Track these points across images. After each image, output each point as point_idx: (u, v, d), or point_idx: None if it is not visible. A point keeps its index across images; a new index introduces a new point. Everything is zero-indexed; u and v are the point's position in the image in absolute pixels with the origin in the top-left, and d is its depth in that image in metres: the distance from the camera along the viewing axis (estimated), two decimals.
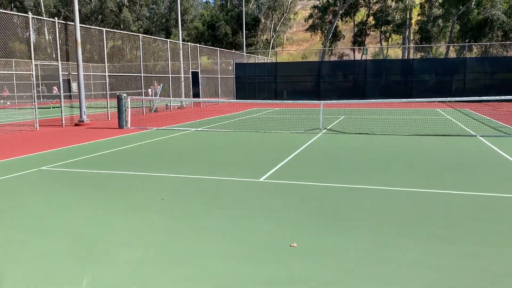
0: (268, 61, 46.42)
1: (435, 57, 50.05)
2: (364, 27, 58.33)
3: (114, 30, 27.73)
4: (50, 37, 47.65)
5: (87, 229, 4.77)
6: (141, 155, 9.73)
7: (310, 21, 58.66)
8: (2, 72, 29.11)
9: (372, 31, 59.78)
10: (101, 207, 5.62)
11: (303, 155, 9.37)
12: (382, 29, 57.33)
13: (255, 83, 33.37)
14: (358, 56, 59.15)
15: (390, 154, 9.51)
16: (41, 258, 3.99)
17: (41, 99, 34.41)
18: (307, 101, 16.88)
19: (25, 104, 29.95)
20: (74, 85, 38.37)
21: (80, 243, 4.37)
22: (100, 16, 59.03)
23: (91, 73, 30.43)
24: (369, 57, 56.86)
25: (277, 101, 21.38)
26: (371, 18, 57.48)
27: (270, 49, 59.24)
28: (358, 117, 18.42)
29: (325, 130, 13.80)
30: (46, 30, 50.11)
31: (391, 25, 55.96)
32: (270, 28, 62.45)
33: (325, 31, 56.98)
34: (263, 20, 62.75)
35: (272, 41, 62.37)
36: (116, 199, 6.02)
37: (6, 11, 15.42)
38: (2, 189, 6.60)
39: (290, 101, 18.96)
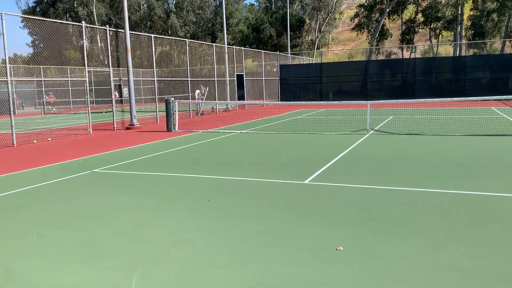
0: (313, 62, 46.03)
1: (490, 53, 47.66)
2: (412, 24, 56.57)
3: (162, 36, 28.55)
4: (102, 45, 49.79)
5: (139, 229, 4.91)
6: (188, 157, 9.92)
7: (356, 20, 57.63)
8: (58, 78, 30.70)
9: (421, 28, 57.88)
10: (151, 208, 5.77)
11: (349, 157, 9.19)
12: (431, 26, 55.38)
13: (300, 84, 33.21)
14: (406, 55, 57.43)
15: (442, 155, 9.14)
16: (95, 258, 4.14)
17: (94, 104, 35.94)
18: (353, 101, 16.57)
19: (79, 109, 31.42)
20: (125, 90, 39.85)
21: (132, 243, 4.50)
22: (149, 23, 60.93)
23: (140, 79, 31.44)
24: (418, 55, 55.08)
25: (323, 102, 21.19)
26: (419, 15, 55.67)
27: (315, 50, 58.76)
28: (407, 117, 17.86)
29: (373, 131, 13.48)
30: (98, 38, 52.40)
31: (441, 22, 53.92)
32: (315, 29, 61.93)
33: (372, 30, 55.79)
34: (307, 21, 62.36)
35: (317, 41, 61.83)
36: (166, 200, 6.16)
37: (62, 21, 16.23)
38: (58, 191, 6.93)
39: (336, 101, 18.71)
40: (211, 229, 4.86)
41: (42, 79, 27.10)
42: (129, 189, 6.86)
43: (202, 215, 5.40)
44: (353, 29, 59.23)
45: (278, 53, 35.88)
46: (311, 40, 62.95)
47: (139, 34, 19.98)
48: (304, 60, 45.74)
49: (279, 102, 31.10)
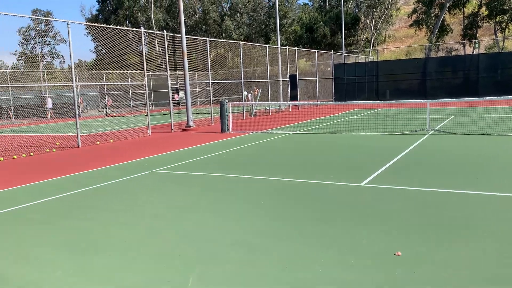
0: (369, 60, 44.92)
1: None
2: (475, 18, 53.66)
3: (217, 39, 29.03)
4: (160, 49, 51.57)
5: (195, 229, 5.01)
6: (242, 158, 10.01)
7: (414, 16, 55.58)
8: (119, 83, 32.12)
9: (485, 22, 54.73)
10: (207, 208, 5.87)
11: (408, 158, 8.86)
12: (497, 20, 52.22)
13: (355, 84, 32.53)
14: (468, 51, 54.52)
15: (509, 156, 8.58)
16: (154, 257, 4.28)
17: (153, 106, 37.24)
18: (412, 100, 15.96)
19: (139, 112, 32.70)
20: (181, 93, 40.96)
21: (188, 242, 4.60)
22: (204, 27, 62.29)
23: (196, 81, 32.21)
24: (481, 51, 52.14)
25: (379, 101, 20.58)
26: (483, 8, 52.67)
27: (371, 48, 57.34)
28: (470, 116, 16.96)
29: (433, 131, 12.92)
30: (156, 42, 54.27)
31: (507, 15, 50.70)
32: (371, 26, 60.45)
33: (431, 26, 53.55)
34: (363, 19, 61.00)
35: (372, 39, 60.32)
36: (221, 200, 6.25)
37: (122, 28, 16.94)
38: (119, 190, 7.24)
39: (393, 101, 18.09)
40: (266, 230, 4.86)
41: (104, 83, 28.46)
42: (186, 189, 7.02)
43: (257, 216, 5.42)
44: (410, 25, 57.19)
45: (332, 52, 35.37)
46: (367, 38, 61.51)
47: (194, 38, 20.47)
48: (359, 58, 44.75)
49: (333, 102, 30.65)
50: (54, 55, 71.06)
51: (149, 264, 4.06)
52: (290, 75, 27.25)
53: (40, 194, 7.15)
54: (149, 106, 24.92)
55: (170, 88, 17.14)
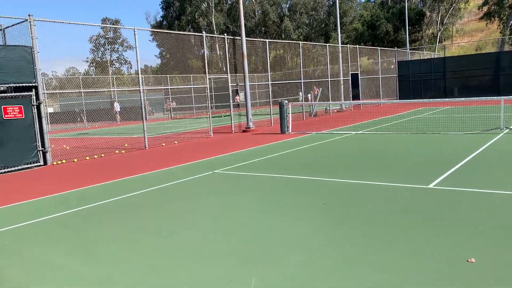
0: (435, 56, 42.90)
1: None
2: None
3: (276, 40, 29.07)
4: (221, 52, 52.59)
5: (254, 230, 5.02)
6: (302, 159, 9.92)
7: (485, 9, 52.33)
8: (182, 86, 33.16)
9: None
10: (267, 209, 5.87)
11: (481, 159, 8.32)
12: None
13: (420, 81, 31.19)
14: None
15: None
16: (214, 256, 4.33)
17: (214, 108, 38.08)
18: (484, 97, 15.01)
19: (201, 114, 33.54)
20: (241, 95, 41.54)
21: (247, 243, 4.62)
22: (263, 28, 62.75)
23: (256, 83, 32.49)
24: None
25: (447, 99, 19.55)
26: None
27: (437, 44, 54.75)
28: None
29: (508, 130, 12.06)
30: (217, 46, 55.43)
31: None
32: (437, 21, 57.72)
33: (504, 18, 50.11)
34: (428, 14, 58.39)
35: (439, 34, 57.57)
36: (281, 201, 6.22)
37: (184, 33, 17.44)
38: (182, 191, 7.43)
39: (463, 98, 17.12)
40: (327, 233, 4.76)
41: (169, 87, 29.52)
42: (247, 190, 7.07)
43: (318, 218, 5.32)
44: (481, 18, 53.91)
45: (395, 49, 34.18)
46: (432, 33, 58.82)
47: (254, 40, 20.63)
48: (425, 55, 42.87)
49: (398, 100, 29.57)
50: (122, 61, 74.99)
51: (211, 264, 4.11)
52: (351, 73, 26.69)
53: (110, 193, 7.53)
54: (211, 108, 25.27)
55: (230, 90, 17.40)
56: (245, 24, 65.30)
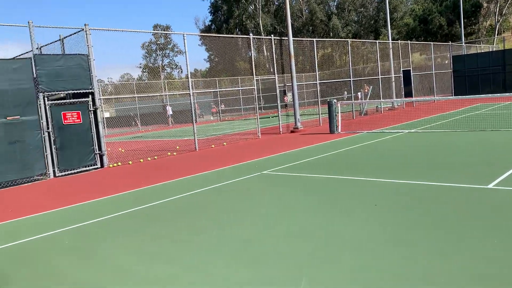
0: (494, 50, 40.70)
1: None
2: None
3: (324, 39, 28.73)
4: (268, 53, 52.74)
5: (304, 231, 4.97)
6: (352, 159, 9.72)
7: None
8: (230, 88, 33.58)
9: None
10: (317, 210, 5.80)
11: None
12: None
13: (477, 76, 29.66)
14: None
15: None
16: (263, 257, 4.33)
17: (262, 109, 38.24)
18: None
19: (249, 115, 33.78)
20: (289, 95, 41.44)
21: (299, 244, 4.58)
22: (311, 28, 62.25)
23: (303, 83, 32.27)
24: None
25: (507, 94, 18.47)
26: None
27: (496, 36, 51.88)
28: None
29: None
30: (264, 47, 55.61)
31: None
32: (495, 12, 54.71)
33: None
34: (485, 5, 55.48)
35: (497, 26, 54.53)
36: (331, 202, 6.13)
37: (231, 35, 17.64)
38: (232, 191, 7.50)
39: None
40: (379, 235, 4.62)
41: (217, 90, 30.00)
42: (295, 191, 7.02)
43: (370, 220, 5.19)
44: None
45: (450, 43, 32.76)
46: (490, 25, 55.82)
47: (301, 40, 20.50)
48: (482, 48, 40.76)
49: (453, 97, 28.30)
50: (173, 66, 77.10)
51: (260, 265, 4.11)
52: (403, 70, 25.86)
53: (163, 195, 7.74)
54: (259, 109, 25.28)
55: (278, 91, 17.40)
56: (292, 24, 64.94)
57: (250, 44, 17.01)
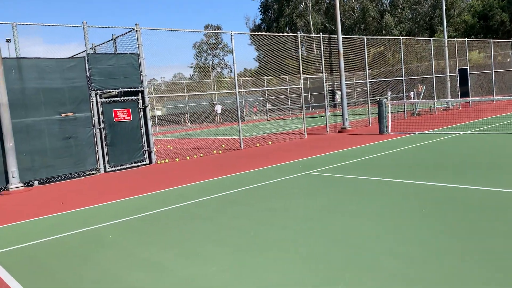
0: None
1: None
2: None
3: (375, 37, 27.93)
4: (318, 52, 52.11)
5: (345, 234, 4.78)
6: (400, 161, 9.32)
7: None
8: (277, 87, 33.47)
9: None
10: (360, 213, 5.57)
11: None
12: None
13: None
14: None
15: None
16: (301, 260, 4.20)
17: (310, 109, 37.82)
18: None
19: (297, 115, 33.52)
20: (338, 95, 40.70)
21: (338, 247, 4.40)
22: (363, 25, 60.87)
23: (354, 81, 31.53)
24: None
25: None
26: None
27: None
28: None
29: None
30: (314, 46, 54.96)
31: None
32: None
33: None
34: None
35: None
36: (375, 206, 5.87)
37: (279, 34, 17.53)
38: (274, 191, 7.40)
39: None
40: (426, 242, 4.35)
41: (262, 89, 30.00)
42: (338, 192, 6.81)
43: (416, 225, 4.91)
44: None
45: None
46: None
47: (351, 38, 20.03)
48: None
49: None
50: (223, 65, 78.11)
51: (296, 267, 3.98)
52: (459, 69, 24.63)
53: (206, 192, 7.77)
54: (307, 109, 25.06)
55: (325, 90, 17.09)
56: (343, 22, 63.72)
57: (298, 42, 16.83)
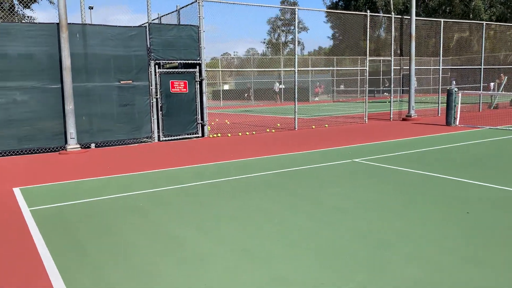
0: None
1: None
2: None
3: (454, 20, 25.77)
4: (396, 34, 49.50)
5: (375, 231, 4.43)
6: (460, 157, 8.56)
7: None
8: (342, 68, 32.27)
9: None
10: (397, 210, 5.15)
11: None
12: None
13: None
14: None
15: None
16: (319, 254, 3.94)
17: (381, 93, 36.22)
18: None
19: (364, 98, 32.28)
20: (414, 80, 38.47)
21: (362, 244, 4.08)
22: (448, 8, 56.70)
23: (422, 67, 29.56)
24: None
25: None
26: None
27: None
28: None
29: None
30: (393, 27, 52.21)
31: None
32: None
33: None
34: None
35: None
36: (416, 203, 5.40)
37: (346, 12, 16.70)
38: (312, 176, 7.09)
39: None
40: (460, 248, 3.89)
41: (335, 68, 29.11)
42: (382, 184, 6.37)
43: (454, 229, 4.42)
44: None
45: None
46: None
47: (426, 20, 18.64)
48: None
49: None
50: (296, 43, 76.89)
51: (308, 260, 3.74)
52: None
53: (245, 170, 7.65)
54: (379, 93, 23.93)
55: (392, 74, 16.15)
56: (427, 4, 59.72)
57: (377, 23, 15.95)
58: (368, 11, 15.32)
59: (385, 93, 36.99)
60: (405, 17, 17.08)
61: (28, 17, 26.45)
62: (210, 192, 6.21)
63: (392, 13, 54.44)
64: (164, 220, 4.97)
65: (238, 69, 28.41)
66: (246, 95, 33.66)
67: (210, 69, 19.25)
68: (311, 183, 6.59)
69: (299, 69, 13.79)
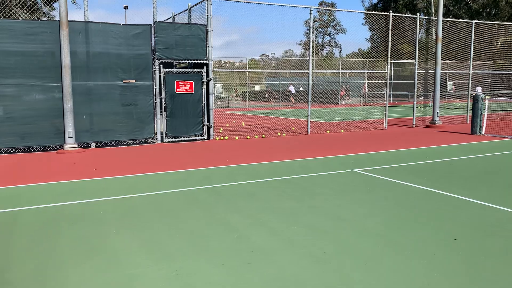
0: None
1: None
2: None
3: (487, 22, 24.17)
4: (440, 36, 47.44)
5: (334, 260, 3.84)
6: (477, 171, 7.71)
7: None
8: (366, 71, 31.05)
9: None
10: (379, 232, 4.52)
11: None
12: None
13: None
14: None
15: None
16: (309, 263, 3.41)
17: (409, 98, 34.70)
18: None
19: (394, 103, 30.97)
20: (449, 85, 36.79)
21: (348, 259, 3.51)
22: (494, 10, 54.02)
23: (449, 71, 27.98)
24: None
25: None
26: None
27: None
28: None
29: None
30: (433, 29, 50.17)
31: None
32: None
33: None
34: None
35: None
36: (416, 224, 4.74)
37: (371, 12, 15.92)
38: (302, 187, 6.50)
39: None
40: (449, 281, 3.25)
41: (366, 71, 28.11)
42: (369, 201, 5.71)
43: (437, 258, 3.76)
44: None
45: None
46: None
47: (453, 21, 17.51)
48: None
49: None
50: (333, 45, 75.71)
51: (306, 269, 3.22)
52: None
53: (239, 177, 7.17)
54: (409, 98, 22.82)
55: (416, 78, 15.22)
56: (470, 6, 57.27)
57: (388, 22, 15.09)
58: (391, 11, 14.48)
59: (420, 98, 35.49)
60: (431, 18, 16.06)
61: (52, 16, 27.05)
62: (172, 201, 5.76)
63: (433, 15, 52.36)
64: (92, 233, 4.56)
65: (247, 70, 27.88)
66: (266, 95, 33.13)
67: (217, 69, 18.88)
68: (293, 195, 6.01)
69: (316, 71, 13.14)
